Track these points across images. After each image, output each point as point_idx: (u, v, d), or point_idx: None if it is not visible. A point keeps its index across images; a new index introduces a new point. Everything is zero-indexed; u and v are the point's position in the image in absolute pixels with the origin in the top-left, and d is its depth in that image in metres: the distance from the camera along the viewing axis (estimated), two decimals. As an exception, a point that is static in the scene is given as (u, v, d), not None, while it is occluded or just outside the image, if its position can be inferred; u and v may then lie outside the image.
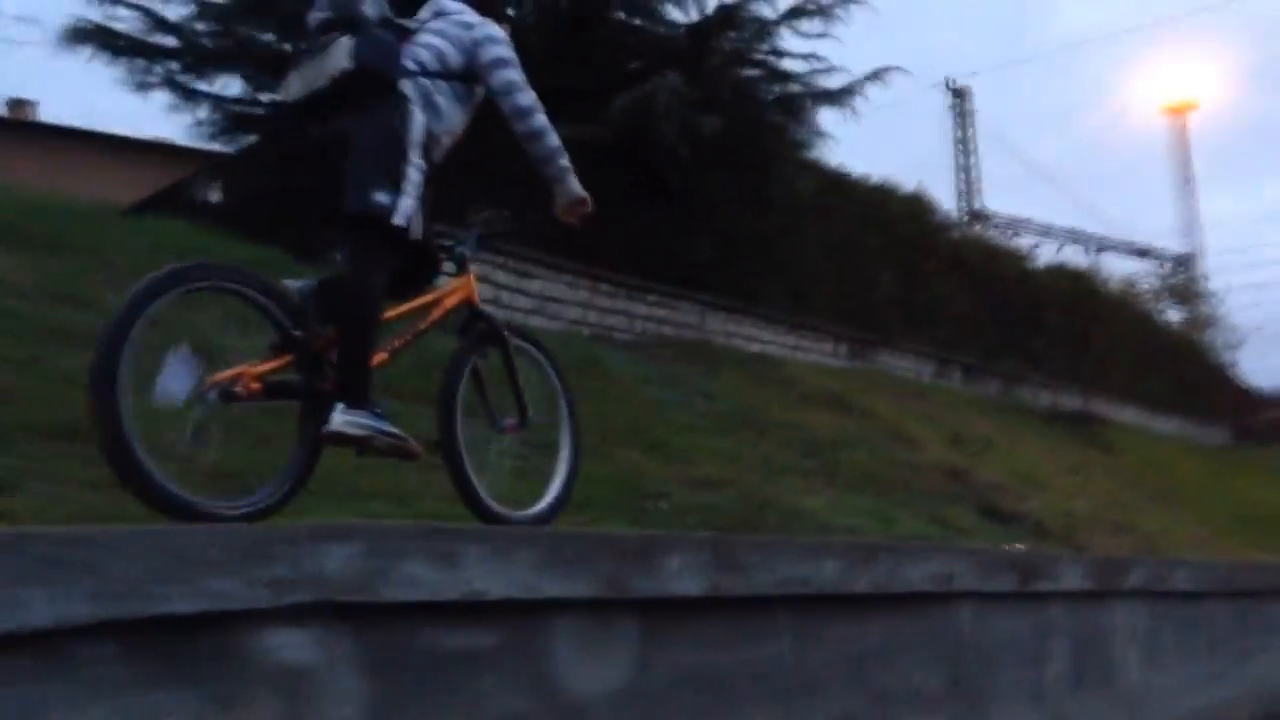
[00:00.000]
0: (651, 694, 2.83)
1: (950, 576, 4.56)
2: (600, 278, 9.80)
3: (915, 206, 14.90)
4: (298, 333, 3.06)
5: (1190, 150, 41.18)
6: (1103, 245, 37.99)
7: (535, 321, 8.44)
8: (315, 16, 3.38)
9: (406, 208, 3.19)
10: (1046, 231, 36.76)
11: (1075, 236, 38.22)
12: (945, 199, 35.06)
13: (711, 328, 10.75)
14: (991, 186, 48.05)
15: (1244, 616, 8.67)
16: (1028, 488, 9.56)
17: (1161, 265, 36.89)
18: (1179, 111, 43.45)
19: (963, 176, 39.15)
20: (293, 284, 3.18)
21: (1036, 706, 5.47)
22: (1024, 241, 31.75)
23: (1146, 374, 22.41)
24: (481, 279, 9.79)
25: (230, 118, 11.03)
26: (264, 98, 10.99)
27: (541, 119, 3.54)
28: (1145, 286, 32.61)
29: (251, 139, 11.01)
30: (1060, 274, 19.99)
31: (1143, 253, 38.12)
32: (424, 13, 3.64)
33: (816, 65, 10.95)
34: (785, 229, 11.86)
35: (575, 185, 3.64)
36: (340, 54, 3.21)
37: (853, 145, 19.02)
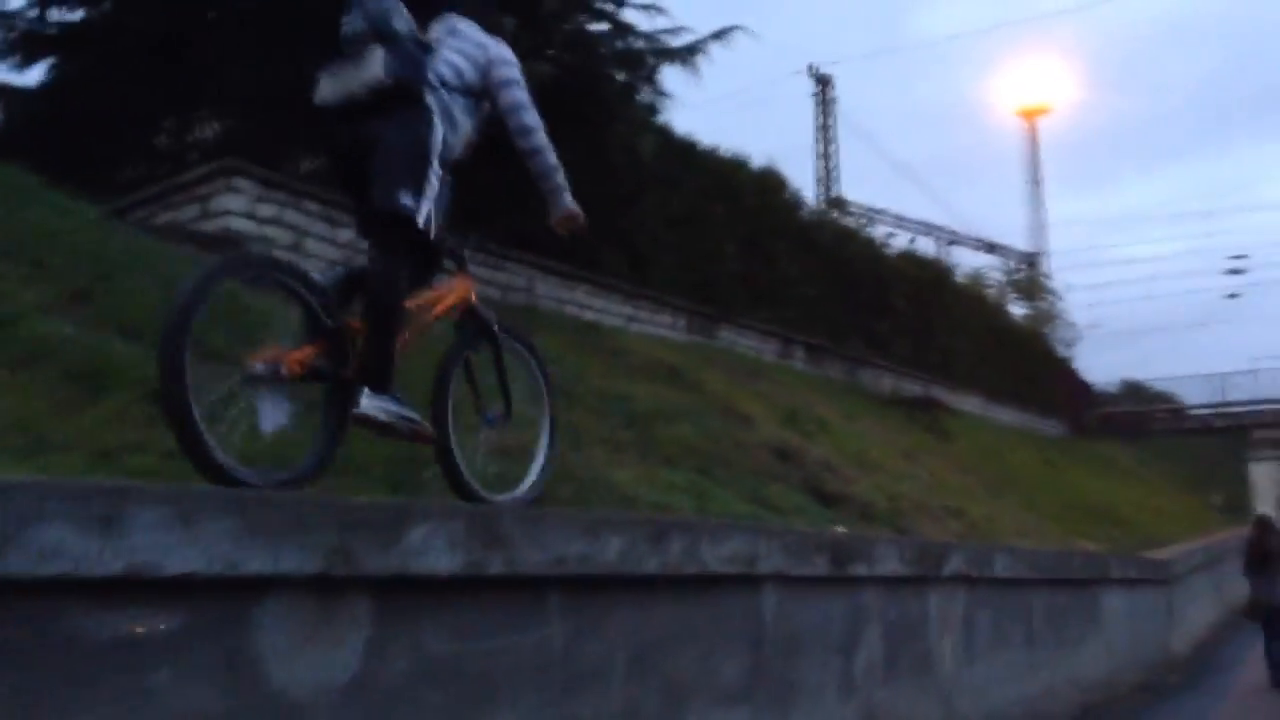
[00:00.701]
0: (387, 689, 2.47)
1: (754, 558, 4.15)
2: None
3: (766, 182, 14.55)
4: (329, 322, 3.28)
5: (1040, 152, 42.33)
6: (954, 239, 38.82)
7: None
8: (350, 26, 3.55)
9: (427, 211, 3.46)
10: (901, 223, 37.31)
11: (928, 229, 38.92)
12: (805, 186, 35.36)
13: (542, 293, 10.13)
14: (851, 176, 48.83)
15: (1065, 605, 8.53)
16: (859, 470, 9.26)
17: (1008, 261, 37.87)
18: (1031, 114, 44.63)
19: (823, 164, 39.51)
20: (321, 276, 3.44)
21: (846, 697, 5.09)
22: (879, 231, 32.13)
23: (989, 365, 22.76)
24: (293, 227, 8.83)
25: (16, 37, 9.89)
26: (54, 16, 9.91)
27: (543, 137, 3.82)
28: (992, 281, 33.39)
29: (42, 61, 9.93)
30: (910, 261, 20.06)
31: (991, 248, 39.06)
32: (437, 29, 3.82)
33: (660, 23, 10.42)
34: (629, 195, 11.32)
35: (570, 200, 3.92)
36: (375, 65, 3.42)
37: (718, 129, 18.80)
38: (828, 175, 38.98)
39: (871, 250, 17.86)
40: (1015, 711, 7.14)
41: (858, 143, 74.03)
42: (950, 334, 20.49)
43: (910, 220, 38.63)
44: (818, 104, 39.36)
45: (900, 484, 9.67)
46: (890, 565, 5.60)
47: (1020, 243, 38.55)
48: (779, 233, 14.32)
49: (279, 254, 3.97)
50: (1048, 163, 53.94)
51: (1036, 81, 43.26)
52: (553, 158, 3.87)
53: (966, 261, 36.41)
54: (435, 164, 3.51)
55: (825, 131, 39.74)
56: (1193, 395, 35.46)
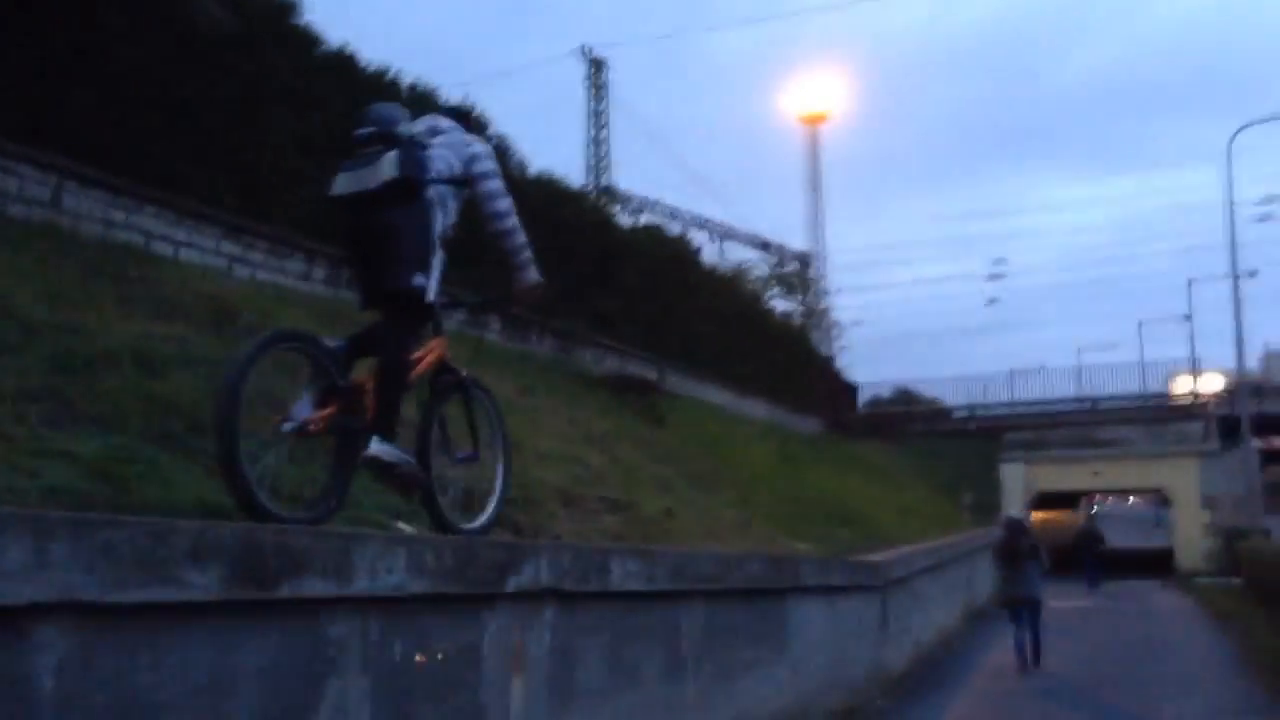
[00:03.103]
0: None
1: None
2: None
3: (457, 115, 12.22)
4: (343, 383, 3.97)
5: (819, 158, 42.07)
6: (728, 234, 37.88)
7: None
8: (363, 131, 4.26)
9: (434, 286, 4.24)
10: (674, 214, 36.14)
11: (701, 223, 37.89)
12: (576, 174, 33.54)
13: (80, 210, 7.57)
14: (627, 167, 47.37)
15: (735, 623, 6.70)
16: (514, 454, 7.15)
17: (779, 258, 37.10)
18: (812, 121, 44.47)
19: (594, 150, 37.82)
20: (330, 342, 4.03)
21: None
22: (650, 218, 30.67)
23: (743, 357, 21.34)
24: None
25: None
26: None
27: (515, 220, 4.56)
28: (756, 274, 32.40)
29: None
30: (648, 236, 18.27)
31: (765, 246, 38.32)
32: (420, 125, 4.53)
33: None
34: (241, 100, 8.94)
35: (534, 273, 4.68)
36: (388, 165, 4.09)
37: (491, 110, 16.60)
38: (598, 164, 37.41)
39: (598, 217, 15.84)
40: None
41: (638, 137, 72.88)
42: (697, 321, 18.85)
43: (685, 212, 37.54)
44: (590, 88, 37.67)
45: (551, 469, 7.65)
46: (390, 580, 3.54)
47: (797, 244, 37.88)
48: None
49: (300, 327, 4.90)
50: (828, 175, 54.41)
51: (817, 91, 42.97)
52: (522, 237, 4.57)
53: (740, 257, 35.60)
54: (436, 246, 4.25)
55: (598, 117, 38.08)
56: (954, 399, 35.67)
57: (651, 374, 16.08)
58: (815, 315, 34.57)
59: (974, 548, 19.91)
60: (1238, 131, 25.29)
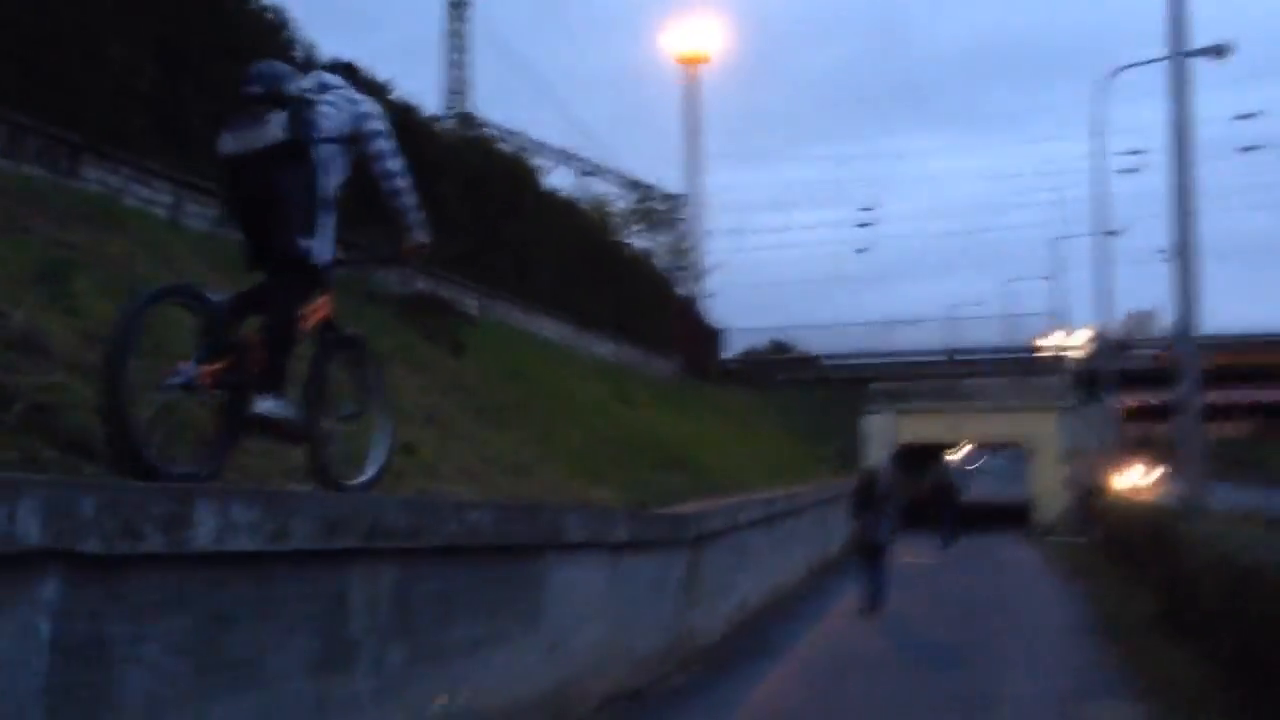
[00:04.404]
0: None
1: None
2: None
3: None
4: (230, 339, 3.95)
5: (699, 101, 40.40)
6: (595, 170, 36.04)
7: None
8: (249, 89, 4.20)
9: (320, 249, 4.26)
10: (540, 148, 34.11)
11: (566, 157, 35.93)
12: (432, 97, 31.15)
13: None
14: (499, 104, 44.71)
15: (448, 590, 5.05)
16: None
17: (644, 195, 35.36)
18: (691, 62, 42.78)
19: (453, 74, 35.44)
20: (216, 297, 3.98)
21: None
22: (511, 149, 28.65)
23: (588, 292, 19.65)
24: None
25: None
26: None
27: (404, 181, 4.53)
28: (615, 209, 30.67)
29: None
30: (474, 148, 16.33)
31: (635, 185, 36.61)
32: (307, 81, 4.44)
33: None
34: None
35: (422, 234, 4.65)
36: (275, 126, 4.08)
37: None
38: (455, 89, 35.07)
39: (411, 119, 13.79)
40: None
41: (512, 77, 69.76)
42: (532, 248, 17.04)
43: (550, 146, 35.51)
44: (448, 6, 35.17)
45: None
46: None
47: (671, 185, 36.14)
48: (211, 42, 9.66)
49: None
50: (707, 123, 52.91)
51: (696, 34, 41.23)
52: (412, 197, 4.56)
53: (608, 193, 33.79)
54: (322, 207, 4.24)
55: (458, 39, 35.72)
56: (823, 347, 34.83)
57: (468, 300, 14.25)
58: (681, 255, 32.99)
59: (827, 499, 18.75)
60: (1116, 72, 24.38)
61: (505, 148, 20.50)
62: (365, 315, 10.03)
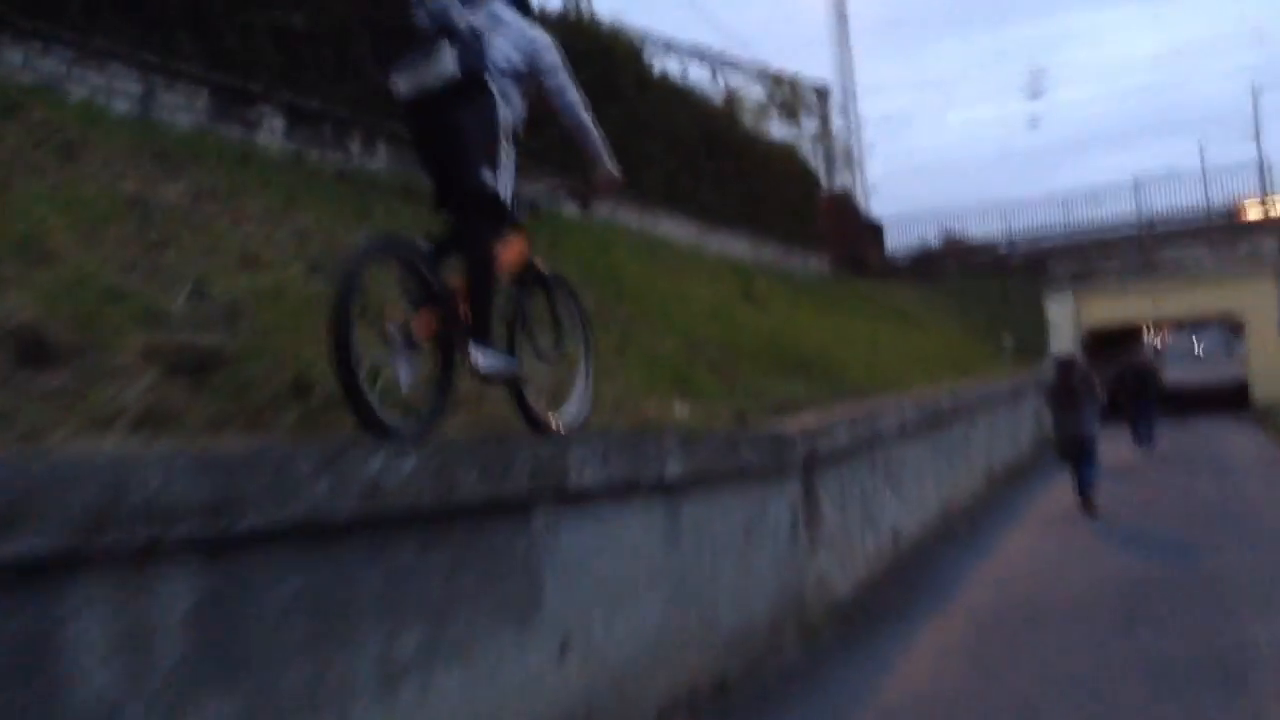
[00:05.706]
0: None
1: None
2: None
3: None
4: (439, 289, 3.90)
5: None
6: (731, 64, 33.44)
7: None
8: (420, 23, 4.04)
9: (504, 183, 4.14)
10: (669, 46, 31.78)
11: (701, 55, 33.46)
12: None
13: None
14: (637, 8, 42.04)
15: (351, 579, 3.26)
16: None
17: (786, 86, 32.56)
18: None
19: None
20: (423, 245, 3.97)
21: None
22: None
23: (718, 187, 17.58)
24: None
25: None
26: None
27: (585, 114, 4.42)
28: (751, 100, 28.08)
29: None
30: (570, 29, 14.31)
31: (775, 79, 33.89)
32: (480, 16, 4.24)
33: None
34: None
35: (610, 166, 4.59)
36: (447, 61, 3.94)
37: None
38: (580, -10, 32.94)
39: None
40: None
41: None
42: (645, 140, 15.04)
43: (681, 44, 33.09)
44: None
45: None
46: None
47: (820, 80, 33.19)
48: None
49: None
50: (856, 19, 49.30)
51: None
52: (594, 131, 4.46)
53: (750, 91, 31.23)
54: (504, 141, 4.11)
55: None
56: (998, 231, 31.49)
57: (563, 196, 12.40)
58: (827, 144, 30.18)
59: (1009, 393, 16.30)
60: None
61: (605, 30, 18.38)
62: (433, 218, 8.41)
